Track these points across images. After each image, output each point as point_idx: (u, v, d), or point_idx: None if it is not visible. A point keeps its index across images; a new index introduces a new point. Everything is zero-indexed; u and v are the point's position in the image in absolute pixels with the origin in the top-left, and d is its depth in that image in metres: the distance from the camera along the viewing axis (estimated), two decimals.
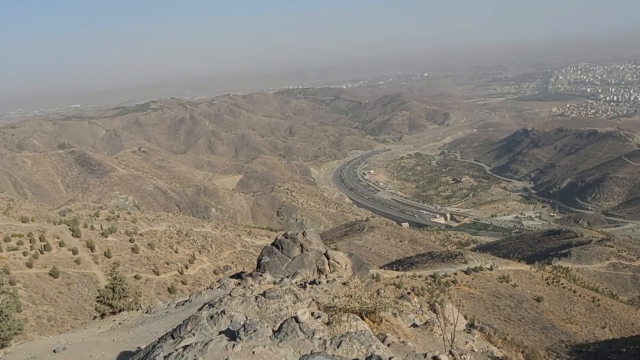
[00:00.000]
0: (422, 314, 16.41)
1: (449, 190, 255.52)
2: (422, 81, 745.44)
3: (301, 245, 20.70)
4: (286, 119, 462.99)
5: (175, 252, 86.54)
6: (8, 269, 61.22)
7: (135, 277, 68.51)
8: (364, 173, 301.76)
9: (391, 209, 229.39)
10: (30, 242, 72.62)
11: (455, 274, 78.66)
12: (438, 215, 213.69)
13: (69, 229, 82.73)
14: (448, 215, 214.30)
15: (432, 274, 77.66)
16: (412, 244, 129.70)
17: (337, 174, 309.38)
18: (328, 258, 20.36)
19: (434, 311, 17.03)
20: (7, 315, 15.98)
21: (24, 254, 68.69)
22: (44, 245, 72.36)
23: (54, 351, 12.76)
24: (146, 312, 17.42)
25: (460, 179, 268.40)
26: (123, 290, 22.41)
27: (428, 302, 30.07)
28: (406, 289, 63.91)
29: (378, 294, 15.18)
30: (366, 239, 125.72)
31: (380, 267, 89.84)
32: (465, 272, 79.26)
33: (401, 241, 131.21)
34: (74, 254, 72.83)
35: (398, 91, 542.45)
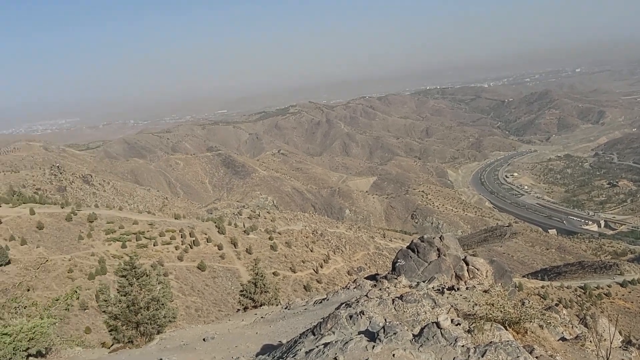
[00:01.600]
0: (572, 327, 15.11)
1: (604, 195, 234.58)
2: (573, 77, 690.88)
3: (438, 250, 20.17)
4: (422, 119, 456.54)
5: (311, 251, 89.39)
6: (162, 261, 67.67)
7: (273, 273, 71.96)
8: (506, 176, 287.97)
9: (536, 215, 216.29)
10: (181, 237, 79.65)
11: (609, 286, 72.39)
12: (590, 222, 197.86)
13: (215, 226, 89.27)
14: (602, 222, 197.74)
15: (582, 285, 72.23)
16: (560, 253, 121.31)
17: (477, 176, 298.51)
18: (467, 264, 19.57)
19: (585, 325, 15.63)
20: (163, 304, 17.44)
21: (176, 248, 75.48)
22: (193, 240, 78.87)
23: (204, 339, 13.70)
24: (285, 308, 18.06)
25: (617, 182, 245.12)
26: (264, 285, 23.47)
27: (577, 316, 27.67)
28: (552, 300, 59.67)
29: (522, 304, 14.28)
30: (508, 246, 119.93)
31: (523, 276, 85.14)
32: (621, 285, 72.59)
33: (547, 249, 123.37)
34: (219, 249, 78.47)
35: (546, 88, 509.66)
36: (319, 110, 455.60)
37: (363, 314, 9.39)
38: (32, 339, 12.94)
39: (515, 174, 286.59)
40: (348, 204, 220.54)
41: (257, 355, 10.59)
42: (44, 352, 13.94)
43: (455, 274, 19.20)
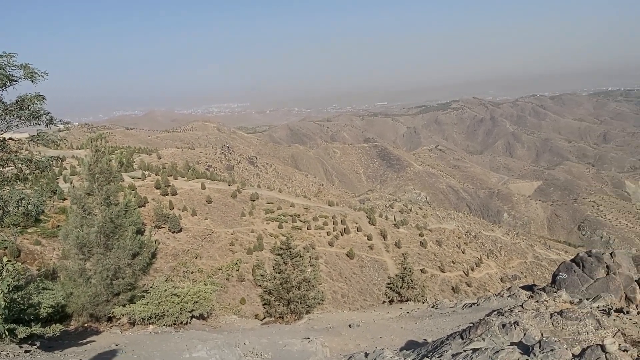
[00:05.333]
0: None
1: None
2: None
3: (607, 267, 18.40)
4: (600, 123, 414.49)
5: (463, 252, 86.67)
6: (314, 245, 70.50)
7: (421, 270, 71.14)
8: None
9: None
10: (333, 224, 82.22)
11: None
12: None
13: (367, 216, 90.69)
14: None
15: None
16: None
17: None
18: None
19: None
20: (313, 286, 18.27)
21: (328, 233, 78.13)
22: (344, 228, 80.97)
23: (349, 326, 14.07)
24: (432, 307, 17.83)
25: None
26: (412, 281, 23.38)
27: None
28: None
29: None
30: None
31: None
32: None
33: None
34: (368, 239, 79.63)
35: None
36: (483, 106, 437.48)
37: (517, 325, 8.95)
38: (196, 302, 14.37)
39: None
40: (507, 207, 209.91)
41: (400, 349, 10.60)
42: (205, 316, 15.42)
43: (626, 295, 17.35)
